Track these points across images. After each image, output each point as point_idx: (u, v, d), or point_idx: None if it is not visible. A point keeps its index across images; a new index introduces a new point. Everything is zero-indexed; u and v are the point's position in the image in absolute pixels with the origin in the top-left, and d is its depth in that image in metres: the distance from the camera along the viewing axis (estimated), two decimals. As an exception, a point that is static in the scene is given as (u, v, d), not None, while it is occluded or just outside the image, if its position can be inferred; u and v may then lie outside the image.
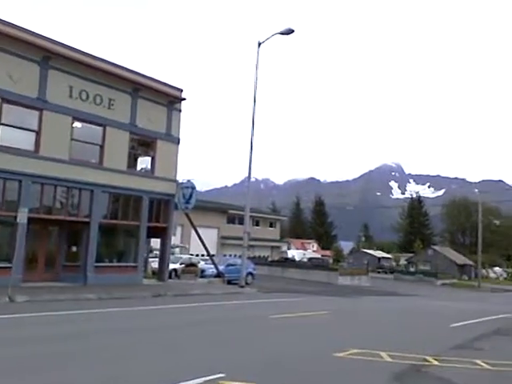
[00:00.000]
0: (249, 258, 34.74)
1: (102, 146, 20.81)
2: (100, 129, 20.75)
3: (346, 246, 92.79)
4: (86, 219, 20.17)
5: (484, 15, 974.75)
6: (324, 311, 16.44)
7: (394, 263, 78.55)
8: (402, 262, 78.58)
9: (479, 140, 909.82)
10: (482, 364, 8.63)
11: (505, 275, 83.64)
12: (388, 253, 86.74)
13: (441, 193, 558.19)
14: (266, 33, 55.81)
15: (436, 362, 8.48)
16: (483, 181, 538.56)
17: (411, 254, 78.50)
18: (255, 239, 50.03)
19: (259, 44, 24.82)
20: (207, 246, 27.45)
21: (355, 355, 8.54)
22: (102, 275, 20.10)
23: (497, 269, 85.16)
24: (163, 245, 23.81)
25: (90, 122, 20.39)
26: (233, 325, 11.91)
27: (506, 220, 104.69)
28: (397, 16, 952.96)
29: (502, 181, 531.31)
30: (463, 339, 11.80)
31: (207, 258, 28.53)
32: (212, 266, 27.83)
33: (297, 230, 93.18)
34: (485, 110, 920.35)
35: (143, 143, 22.98)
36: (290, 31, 23.77)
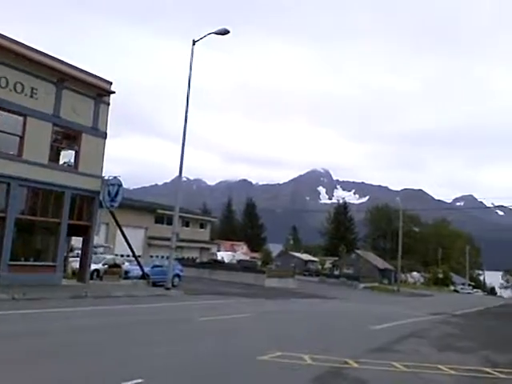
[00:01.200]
0: (177, 259, 34.48)
1: (21, 137, 19.74)
2: (20, 119, 19.69)
3: (275, 248, 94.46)
4: (1, 214, 19.06)
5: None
6: (249, 313, 16.62)
7: (319, 266, 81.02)
8: (328, 265, 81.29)
9: (402, 151, 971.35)
10: (399, 366, 9.12)
11: (422, 280, 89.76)
12: (314, 256, 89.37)
13: (365, 199, 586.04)
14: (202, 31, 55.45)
15: (356, 365, 8.86)
16: (405, 189, 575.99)
17: (336, 258, 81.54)
18: (184, 240, 49.55)
19: (194, 42, 24.85)
20: (133, 246, 26.86)
21: (278, 358, 8.74)
22: (17, 274, 19.07)
23: (415, 274, 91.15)
24: (85, 244, 22.99)
25: (9, 111, 19.30)
26: (155, 328, 11.65)
27: (425, 227, 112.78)
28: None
29: (421, 190, 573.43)
30: (382, 342, 12.37)
31: (132, 258, 27.92)
32: (137, 266, 27.28)
33: (227, 231, 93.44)
34: (406, 123, 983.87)
35: (67, 136, 22.04)
36: (225, 31, 24.02)
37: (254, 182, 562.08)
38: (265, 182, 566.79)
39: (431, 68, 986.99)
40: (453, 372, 9.07)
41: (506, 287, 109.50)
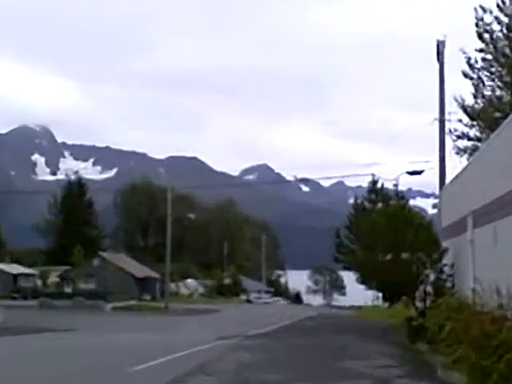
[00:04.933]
0: None
1: None
2: None
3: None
4: None
5: None
6: None
7: (39, 282, 79.17)
8: (54, 279, 79.88)
9: (165, 102, 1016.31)
10: None
11: (201, 290, 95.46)
12: (31, 266, 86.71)
13: (112, 173, 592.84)
14: None
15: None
16: (171, 157, 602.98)
17: (68, 267, 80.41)
18: None
19: None
20: None
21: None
22: None
23: (190, 281, 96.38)
24: None
25: None
26: None
27: (204, 213, 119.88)
28: None
29: (196, 158, 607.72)
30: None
31: None
32: None
33: None
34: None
35: None
36: None
37: None
38: None
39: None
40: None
41: (314, 291, 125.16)
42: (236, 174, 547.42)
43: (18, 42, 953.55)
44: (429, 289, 23.21)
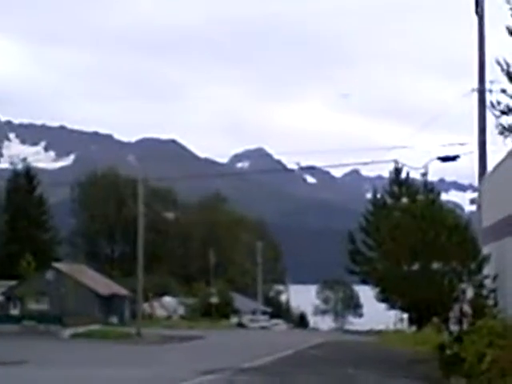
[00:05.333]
0: None
1: None
2: None
3: None
4: None
5: None
6: None
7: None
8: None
9: (134, 66, 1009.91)
10: None
11: (182, 310, 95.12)
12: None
13: (69, 160, 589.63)
14: None
15: None
16: (142, 140, 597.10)
17: (13, 282, 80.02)
18: None
19: None
20: None
21: None
22: None
23: (168, 300, 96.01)
24: None
25: None
26: None
27: (185, 211, 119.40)
28: None
29: (174, 141, 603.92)
30: None
31: None
32: None
33: None
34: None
35: None
36: None
37: None
38: None
39: None
40: None
41: (323, 312, 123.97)
42: (225, 161, 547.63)
43: None
44: (466, 308, 23.09)
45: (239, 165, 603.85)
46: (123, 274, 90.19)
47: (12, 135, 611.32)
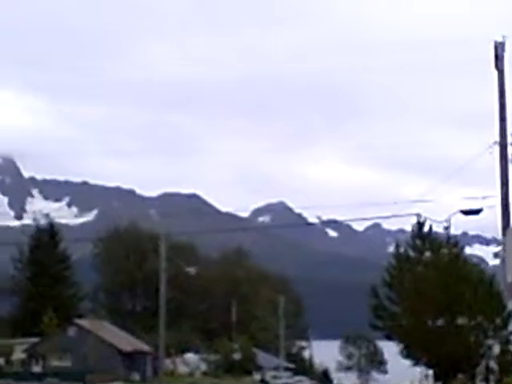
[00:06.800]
0: None
1: None
2: None
3: None
4: None
5: None
6: None
7: (1, 360, 78.82)
8: (19, 355, 79.21)
9: (156, 121, 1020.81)
10: None
11: (204, 367, 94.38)
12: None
13: (91, 215, 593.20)
14: None
15: None
16: (165, 195, 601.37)
17: (36, 339, 79.94)
18: None
19: None
20: None
21: None
22: None
23: (190, 356, 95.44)
24: None
25: None
26: None
27: (207, 266, 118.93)
28: None
29: (196, 195, 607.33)
30: None
31: None
32: None
33: None
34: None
35: None
36: None
37: None
38: None
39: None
40: None
41: (347, 368, 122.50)
42: (246, 215, 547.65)
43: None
44: (492, 364, 22.82)
45: (260, 219, 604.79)
46: (145, 329, 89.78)
47: (35, 191, 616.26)
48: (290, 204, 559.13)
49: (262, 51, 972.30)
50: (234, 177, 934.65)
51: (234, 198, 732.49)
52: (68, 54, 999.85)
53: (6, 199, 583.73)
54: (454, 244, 43.62)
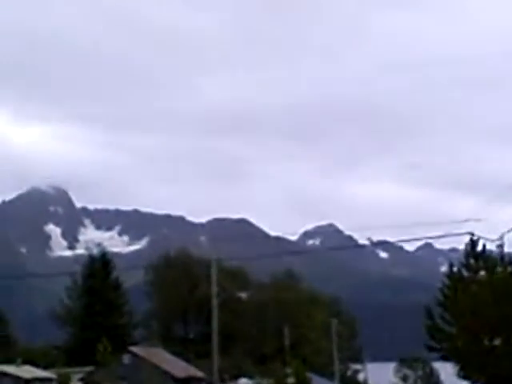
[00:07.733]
0: None
1: None
2: None
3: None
4: None
5: None
6: None
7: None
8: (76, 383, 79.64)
9: (201, 147, 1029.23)
10: None
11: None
12: (47, 368, 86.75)
13: (143, 243, 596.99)
14: None
15: None
16: (214, 220, 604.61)
17: (91, 368, 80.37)
18: None
19: None
20: None
21: None
22: None
23: (244, 381, 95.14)
24: None
25: None
26: None
27: (259, 291, 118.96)
28: None
29: (244, 220, 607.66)
30: None
31: None
32: None
33: None
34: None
35: None
36: None
37: None
38: None
39: None
40: None
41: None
42: (295, 238, 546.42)
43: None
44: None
45: (310, 242, 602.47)
46: (198, 355, 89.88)
47: (87, 221, 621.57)
48: (340, 226, 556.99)
49: (310, 76, 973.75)
50: (282, 200, 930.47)
51: (283, 222, 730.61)
52: (119, 86, 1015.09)
53: (59, 230, 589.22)
54: (509, 262, 43.03)
